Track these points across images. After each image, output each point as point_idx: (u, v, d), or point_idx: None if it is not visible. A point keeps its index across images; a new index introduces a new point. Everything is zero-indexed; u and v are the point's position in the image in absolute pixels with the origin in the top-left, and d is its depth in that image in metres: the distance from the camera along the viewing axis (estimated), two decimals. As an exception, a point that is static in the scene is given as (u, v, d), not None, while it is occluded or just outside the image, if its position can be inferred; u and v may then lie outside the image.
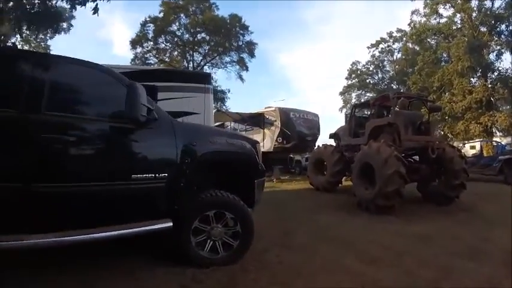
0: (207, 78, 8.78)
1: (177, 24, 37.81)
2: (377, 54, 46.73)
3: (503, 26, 25.53)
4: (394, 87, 41.74)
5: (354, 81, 48.05)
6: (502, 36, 25.39)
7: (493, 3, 25.42)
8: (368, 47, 46.42)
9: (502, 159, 15.12)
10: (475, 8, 25.93)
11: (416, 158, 9.78)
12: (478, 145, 18.61)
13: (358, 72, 48.00)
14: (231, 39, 38.97)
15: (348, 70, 48.85)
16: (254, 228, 4.26)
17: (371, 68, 47.80)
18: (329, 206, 8.88)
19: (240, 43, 39.53)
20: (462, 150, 18.74)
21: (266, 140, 15.57)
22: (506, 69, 25.53)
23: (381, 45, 45.72)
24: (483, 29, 25.82)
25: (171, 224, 3.68)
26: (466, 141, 20.90)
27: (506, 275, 4.17)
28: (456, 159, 8.86)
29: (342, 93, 48.85)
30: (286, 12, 79.29)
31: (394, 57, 45.19)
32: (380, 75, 47.29)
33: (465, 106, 24.03)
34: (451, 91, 25.46)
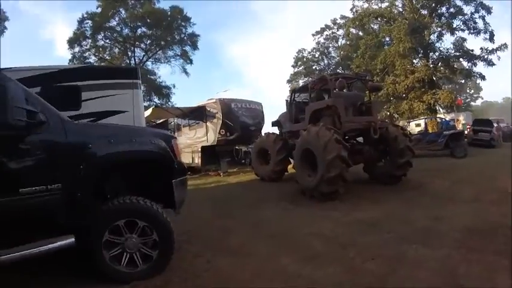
0: (134, 72, 7.87)
1: (117, 19, 36.06)
2: (322, 41, 47.22)
3: (443, 9, 26.27)
4: (340, 72, 42.19)
5: (300, 68, 48.29)
6: (443, 18, 26.10)
7: None
8: (313, 34, 46.82)
9: (447, 134, 15.55)
10: None
11: (361, 139, 9.44)
12: (423, 122, 19.04)
13: (304, 59, 48.35)
14: (173, 32, 37.42)
15: (294, 58, 49.32)
16: (173, 235, 3.82)
17: (316, 55, 48.19)
18: (273, 197, 8.35)
19: (182, 35, 38.11)
20: (408, 129, 19.30)
21: (209, 133, 14.90)
22: (447, 49, 26.33)
23: (325, 32, 46.28)
24: (424, 12, 26.49)
25: (73, 239, 3.26)
26: (411, 120, 21.35)
27: (461, 259, 3.88)
28: (400, 138, 8.60)
29: (289, 81, 48.83)
30: (236, 2, 78.45)
31: (339, 43, 45.87)
32: (326, 62, 47.73)
33: (408, 86, 24.56)
34: (394, 72, 25.93)
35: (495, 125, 22.23)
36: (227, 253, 4.53)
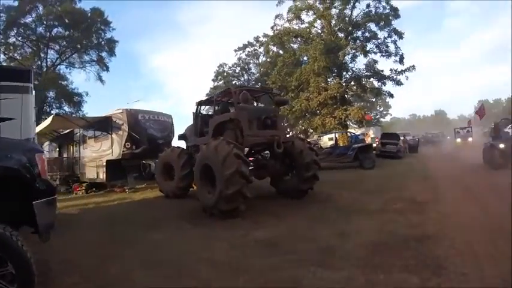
0: (26, 74, 6.66)
1: (33, 15, 32.17)
2: (244, 57, 47.82)
3: (359, 33, 27.92)
4: (247, 85, 42.87)
5: (220, 82, 47.89)
6: (357, 41, 27.67)
7: (352, 12, 27.69)
8: (235, 50, 47.20)
9: (356, 147, 16.28)
10: (334, 16, 27.90)
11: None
12: (335, 136, 19.92)
13: (225, 74, 48.48)
14: (91, 36, 34.58)
15: (214, 72, 49.16)
16: (33, 267, 3.12)
17: (237, 70, 48.66)
18: (173, 216, 7.71)
19: (101, 40, 35.44)
20: (321, 142, 20.01)
21: (114, 146, 13.61)
22: (360, 69, 27.84)
23: (247, 49, 46.94)
24: (341, 34, 27.90)
25: None
26: (323, 134, 22.13)
27: (364, 280, 3.58)
28: (306, 152, 8.52)
29: (208, 95, 48.10)
30: (161, 12, 76.55)
31: (260, 60, 46.66)
32: (246, 77, 48.30)
33: (320, 102, 25.61)
34: (308, 89, 26.89)
35: (402, 138, 24.20)
36: (106, 285, 4.00)
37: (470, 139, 26.92)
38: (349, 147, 16.81)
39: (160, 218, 7.59)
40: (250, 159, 9.57)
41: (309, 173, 8.39)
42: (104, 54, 36.01)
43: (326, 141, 19.18)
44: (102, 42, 35.59)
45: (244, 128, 7.81)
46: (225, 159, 6.70)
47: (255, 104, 9.68)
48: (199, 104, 9.75)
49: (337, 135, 19.28)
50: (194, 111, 9.83)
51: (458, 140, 26.79)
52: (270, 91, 9.94)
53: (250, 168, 7.49)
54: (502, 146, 12.40)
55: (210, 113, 9.82)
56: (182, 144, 11.11)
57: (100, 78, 36.19)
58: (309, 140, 22.68)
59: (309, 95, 26.37)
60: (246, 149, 9.08)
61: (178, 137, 11.34)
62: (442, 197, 8.28)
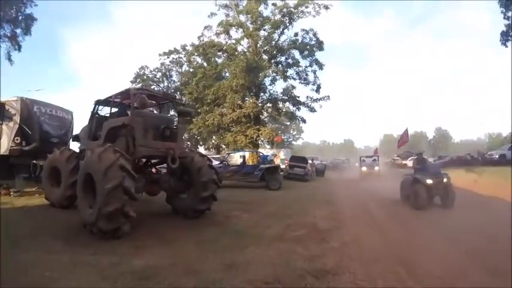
0: None
1: None
2: (167, 63, 46.28)
3: (282, 58, 28.78)
4: (177, 97, 41.50)
5: (139, 85, 45.48)
6: (280, 65, 28.44)
7: (279, 37, 28.46)
8: (160, 54, 45.39)
9: (263, 168, 16.14)
10: (262, 37, 28.31)
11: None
12: (247, 154, 19.76)
13: (145, 77, 46.48)
14: (5, 6, 29.74)
15: (135, 73, 46.97)
16: None
17: (158, 76, 47.06)
18: (48, 232, 6.33)
19: (19, 15, 30.74)
20: (232, 160, 19.67)
21: (3, 139, 11.35)
22: (277, 93, 28.70)
23: (172, 55, 45.47)
24: (265, 56, 28.46)
25: None
26: (232, 152, 21.84)
27: None
28: (205, 170, 7.89)
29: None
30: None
31: (183, 69, 45.49)
32: (166, 84, 46.65)
33: (234, 119, 25.51)
34: (223, 105, 26.71)
35: (310, 162, 24.97)
36: None
37: (376, 168, 26.89)
38: (257, 166, 16.70)
39: (35, 233, 6.22)
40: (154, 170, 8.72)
41: (206, 192, 7.74)
42: (18, 31, 31.31)
43: (237, 158, 18.85)
44: (20, 18, 30.96)
45: (137, 137, 6.89)
46: (107, 170, 5.69)
47: (157, 112, 8.85)
48: (98, 103, 8.42)
49: (246, 154, 19.09)
50: (92, 110, 8.57)
51: (364, 168, 26.66)
52: (174, 99, 8.88)
53: (140, 183, 6.64)
54: (429, 181, 10.71)
55: (106, 115, 8.59)
56: (76, 146, 9.65)
57: (9, 58, 31.27)
58: (219, 155, 22.25)
59: (223, 110, 26.09)
60: (144, 160, 8.18)
61: (72, 137, 9.94)
62: (344, 225, 8.27)
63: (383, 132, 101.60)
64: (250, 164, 18.35)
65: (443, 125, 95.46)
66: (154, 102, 8.48)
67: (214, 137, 30.24)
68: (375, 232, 7.57)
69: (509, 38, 29.20)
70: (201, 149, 41.97)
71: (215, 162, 18.19)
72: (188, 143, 45.28)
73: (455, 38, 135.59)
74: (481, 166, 25.30)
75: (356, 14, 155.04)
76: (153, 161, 8.35)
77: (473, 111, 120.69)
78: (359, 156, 33.54)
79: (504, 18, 29.72)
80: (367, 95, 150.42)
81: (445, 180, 10.87)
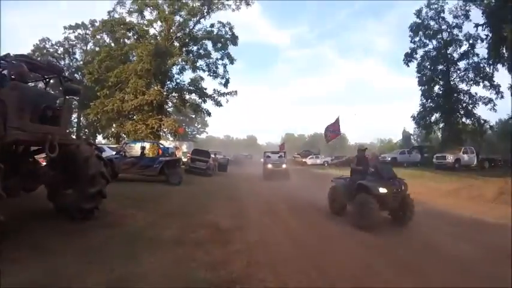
0: None
1: None
2: (72, 38, 41.65)
3: (195, 47, 27.61)
4: (78, 77, 37.77)
5: (38, 59, 39.90)
6: (190, 55, 27.21)
7: (194, 26, 27.27)
8: (65, 28, 40.57)
9: (163, 161, 15.12)
10: (176, 23, 26.78)
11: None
12: (148, 145, 18.50)
13: (45, 51, 41.13)
14: None
15: (34, 46, 41.35)
16: None
17: (60, 51, 42.09)
18: None
19: None
20: (132, 150, 18.14)
21: None
22: (184, 82, 27.52)
23: (79, 30, 41.04)
24: (176, 43, 26.84)
25: None
26: (128, 141, 20.31)
27: None
28: (92, 161, 6.68)
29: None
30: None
31: (88, 47, 41.31)
32: (67, 62, 41.99)
33: (135, 106, 23.66)
34: (126, 89, 24.57)
35: (212, 156, 24.42)
36: None
37: (284, 166, 23.14)
38: (156, 159, 15.59)
39: None
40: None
41: (93, 188, 6.57)
42: None
43: (138, 149, 17.34)
44: None
45: (9, 116, 5.42)
46: None
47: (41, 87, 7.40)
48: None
49: (146, 145, 17.75)
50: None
51: (269, 166, 22.74)
52: (60, 72, 7.21)
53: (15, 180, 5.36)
54: (383, 190, 7.72)
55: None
56: None
57: None
58: (119, 145, 20.37)
59: (125, 96, 24.05)
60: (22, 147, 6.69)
61: None
62: (249, 224, 8.00)
63: (285, 131, 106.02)
64: (150, 156, 17.09)
65: (341, 128, 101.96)
66: (38, 75, 7.02)
67: (114, 125, 27.68)
68: (282, 231, 7.43)
69: (412, 60, 34.57)
70: (100, 138, 38.72)
71: (111, 153, 16.72)
72: (86, 130, 41.20)
73: (358, 54, 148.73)
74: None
75: (271, 18, 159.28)
76: (33, 148, 6.84)
77: (367, 119, 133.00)
78: (263, 151, 31.48)
79: (411, 42, 34.66)
80: (272, 95, 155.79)
81: (402, 187, 8.11)
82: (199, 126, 73.78)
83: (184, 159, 23.98)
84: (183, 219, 7.88)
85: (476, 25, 28.15)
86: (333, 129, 15.33)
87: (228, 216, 8.62)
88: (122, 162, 14.74)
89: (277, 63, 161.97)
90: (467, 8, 31.69)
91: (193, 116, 51.01)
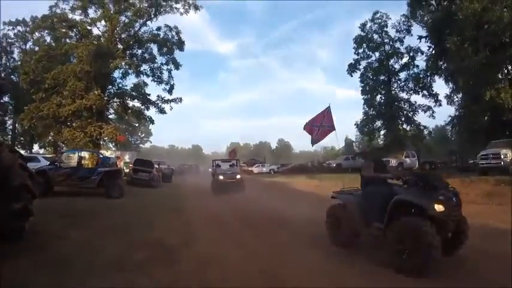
0: None
1: None
2: (11, 35, 37.79)
3: (139, 51, 26.68)
4: (14, 79, 34.12)
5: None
6: (134, 58, 26.18)
7: (140, 28, 26.24)
8: (4, 23, 36.32)
9: (102, 172, 13.88)
10: (121, 23, 25.60)
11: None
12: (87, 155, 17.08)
13: (-22, 49, 36.58)
14: None
15: None
16: None
17: None
18: None
19: None
20: (71, 161, 16.49)
21: None
22: (127, 87, 26.46)
23: (18, 27, 37.39)
24: (120, 46, 25.62)
25: None
26: (66, 151, 18.72)
27: None
28: (15, 171, 5.56)
29: None
30: None
31: (27, 47, 37.19)
32: (4, 61, 37.81)
33: (72, 111, 21.88)
34: (63, 93, 22.67)
35: (156, 166, 23.21)
36: None
37: (238, 176, 19.24)
38: (94, 170, 14.25)
39: None
40: None
41: (17, 204, 5.44)
42: None
43: (75, 159, 15.75)
44: None
45: None
46: None
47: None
48: None
49: (83, 154, 16.24)
50: None
51: (220, 177, 18.70)
52: None
53: None
54: (439, 208, 4.93)
55: None
56: None
57: None
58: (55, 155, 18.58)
59: (62, 100, 22.16)
60: None
61: None
62: (197, 239, 7.29)
63: (230, 141, 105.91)
64: (89, 166, 15.71)
65: (285, 136, 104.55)
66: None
67: (51, 132, 25.47)
68: (236, 246, 6.81)
69: (356, 70, 36.46)
70: (36, 147, 35.53)
71: (45, 163, 15.18)
72: (21, 138, 37.46)
73: (302, 65, 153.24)
74: (320, 173, 28.58)
75: (217, 27, 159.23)
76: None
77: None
78: (211, 160, 28.67)
79: (355, 53, 36.51)
80: (216, 104, 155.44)
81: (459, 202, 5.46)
82: (143, 135, 71.10)
83: (127, 170, 22.62)
84: (124, 237, 7.04)
85: (420, 37, 30.79)
86: (325, 124, 10.56)
87: (174, 231, 7.90)
88: (56, 174, 13.35)
89: (222, 73, 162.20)
90: (409, 23, 34.28)
91: (137, 125, 48.80)
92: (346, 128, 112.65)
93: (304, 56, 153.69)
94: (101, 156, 16.09)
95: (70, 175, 13.56)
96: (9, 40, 38.32)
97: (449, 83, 28.96)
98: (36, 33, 29.54)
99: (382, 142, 37.75)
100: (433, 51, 28.45)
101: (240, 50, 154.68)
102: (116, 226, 8.16)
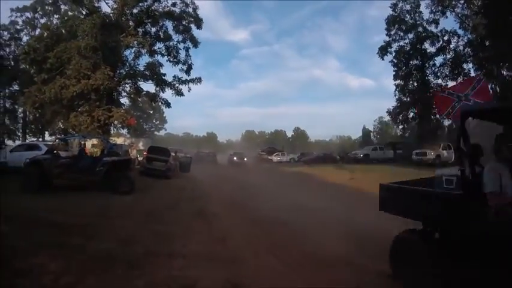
0: None
1: None
2: (20, 22, 35.48)
3: (153, 29, 23.90)
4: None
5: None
6: (147, 37, 23.18)
7: (154, 2, 23.12)
8: (12, 10, 34.29)
9: (108, 162, 11.22)
10: None
11: None
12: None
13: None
14: None
15: None
16: None
17: (5, 35, 35.41)
18: None
19: None
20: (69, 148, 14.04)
21: None
22: (139, 66, 23.68)
23: (27, 13, 35.03)
24: (131, 23, 22.81)
25: None
26: (69, 136, 16.28)
27: None
28: None
29: None
30: None
31: (37, 32, 33.32)
32: (12, 48, 35.41)
33: (77, 92, 19.14)
34: (66, 72, 19.92)
35: (173, 154, 20.43)
36: None
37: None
38: (99, 160, 11.61)
39: None
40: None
41: None
42: None
43: (89, 146, 13.25)
44: None
45: None
46: None
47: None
48: None
49: (94, 141, 13.55)
50: None
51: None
52: None
53: None
54: None
55: None
56: None
57: None
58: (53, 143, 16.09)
59: (65, 81, 19.53)
60: None
61: None
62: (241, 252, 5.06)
63: (245, 128, 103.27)
64: (93, 155, 13.05)
65: (301, 125, 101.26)
66: None
67: (60, 118, 23.32)
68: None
69: (387, 53, 33.89)
70: (47, 135, 33.51)
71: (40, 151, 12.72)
72: (32, 126, 35.56)
73: (315, 52, 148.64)
74: (346, 164, 29.19)
75: (230, 14, 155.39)
76: None
77: (326, 116, 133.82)
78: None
79: (386, 35, 34.02)
80: (231, 92, 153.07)
81: None
82: (158, 122, 68.71)
83: (141, 159, 20.10)
84: (134, 271, 4.40)
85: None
86: (474, 97, 6.29)
87: (204, 241, 5.43)
88: (53, 165, 10.82)
89: (235, 60, 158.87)
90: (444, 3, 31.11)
91: (151, 112, 46.51)
92: (363, 117, 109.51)
93: (317, 44, 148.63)
94: (108, 142, 13.43)
95: (69, 166, 11.01)
96: (18, 27, 36.19)
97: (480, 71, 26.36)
98: (45, 19, 27.26)
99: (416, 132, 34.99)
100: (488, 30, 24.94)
101: (253, 38, 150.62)
102: (121, 248, 5.37)
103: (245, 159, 35.90)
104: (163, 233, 6.39)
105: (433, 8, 31.58)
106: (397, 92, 33.83)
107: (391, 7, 33.34)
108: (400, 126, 36.16)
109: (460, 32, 30.78)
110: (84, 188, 10.99)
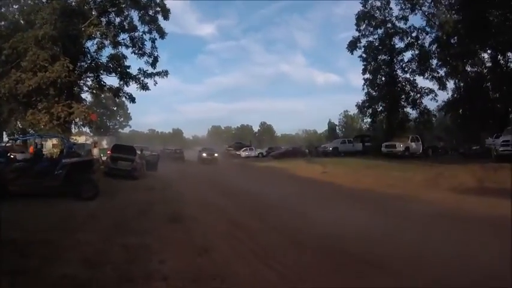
0: None
1: None
2: None
3: (117, 19, 22.70)
4: None
5: None
6: (111, 27, 22.07)
7: None
8: None
9: (67, 164, 10.03)
10: None
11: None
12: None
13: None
14: None
15: None
16: None
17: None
18: None
19: None
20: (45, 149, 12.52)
21: None
22: (101, 58, 22.31)
23: None
24: (94, 12, 21.33)
25: None
26: (46, 135, 14.90)
27: None
28: None
29: None
30: None
31: None
32: None
33: (33, 87, 17.48)
34: (23, 63, 18.24)
35: (139, 152, 19.29)
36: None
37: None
38: (58, 162, 10.38)
39: None
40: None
41: None
42: None
43: (50, 148, 11.89)
44: None
45: None
46: None
47: None
48: None
49: (43, 141, 12.24)
50: None
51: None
52: None
53: None
54: None
55: None
56: None
57: None
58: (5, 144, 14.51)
59: (21, 74, 17.90)
60: None
61: None
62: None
63: (211, 124, 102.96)
64: (52, 157, 11.79)
65: (267, 120, 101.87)
66: None
67: (16, 117, 21.67)
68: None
69: (356, 48, 34.61)
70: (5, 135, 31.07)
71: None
72: None
73: (282, 48, 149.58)
74: (315, 157, 30.45)
75: (196, 9, 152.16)
76: None
77: (293, 110, 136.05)
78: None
79: (356, 30, 34.65)
80: (197, 88, 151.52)
81: None
82: (122, 119, 66.26)
83: (104, 158, 18.87)
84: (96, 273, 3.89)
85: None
86: None
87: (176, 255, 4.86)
88: (7, 170, 9.56)
89: (201, 55, 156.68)
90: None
91: (115, 108, 44.52)
92: (328, 111, 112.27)
93: (284, 40, 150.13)
94: (67, 142, 12.18)
95: (25, 170, 9.76)
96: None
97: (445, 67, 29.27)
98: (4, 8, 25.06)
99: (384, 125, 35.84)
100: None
101: (220, 33, 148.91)
102: (83, 270, 4.54)
103: (216, 154, 35.04)
104: (137, 248, 5.55)
105: (402, 5, 32.47)
106: (365, 86, 34.70)
107: (361, 3, 33.98)
108: (369, 119, 36.78)
109: (428, 29, 31.94)
110: (43, 194, 9.70)
